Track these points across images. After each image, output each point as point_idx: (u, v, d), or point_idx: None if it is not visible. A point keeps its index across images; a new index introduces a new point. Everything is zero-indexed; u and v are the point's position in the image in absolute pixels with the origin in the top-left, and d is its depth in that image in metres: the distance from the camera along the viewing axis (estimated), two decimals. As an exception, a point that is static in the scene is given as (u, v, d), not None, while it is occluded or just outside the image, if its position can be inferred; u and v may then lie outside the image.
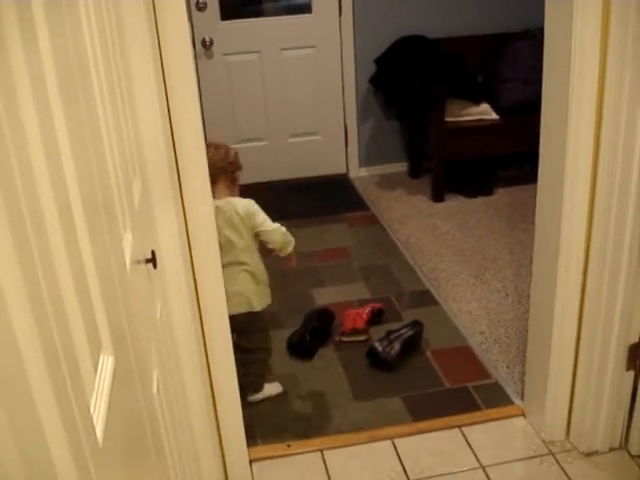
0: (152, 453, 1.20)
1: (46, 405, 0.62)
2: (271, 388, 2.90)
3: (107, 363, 0.91)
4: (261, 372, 2.88)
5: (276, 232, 2.65)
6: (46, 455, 0.62)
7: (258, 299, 2.70)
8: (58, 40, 0.87)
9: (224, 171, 2.72)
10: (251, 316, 2.71)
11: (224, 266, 2.58)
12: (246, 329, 2.74)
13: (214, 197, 2.65)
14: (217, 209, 2.64)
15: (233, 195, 2.72)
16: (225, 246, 2.60)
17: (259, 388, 2.86)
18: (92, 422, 0.77)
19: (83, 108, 0.99)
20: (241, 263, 2.66)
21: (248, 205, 2.67)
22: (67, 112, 0.86)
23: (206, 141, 2.03)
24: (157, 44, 1.75)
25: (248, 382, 2.80)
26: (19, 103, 0.68)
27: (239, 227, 2.64)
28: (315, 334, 3.16)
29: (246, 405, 2.33)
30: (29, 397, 0.60)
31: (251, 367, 2.80)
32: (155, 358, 1.43)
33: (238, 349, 2.71)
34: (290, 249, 2.69)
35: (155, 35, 1.74)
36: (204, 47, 4.93)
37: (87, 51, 1.09)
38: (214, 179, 2.69)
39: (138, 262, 1.36)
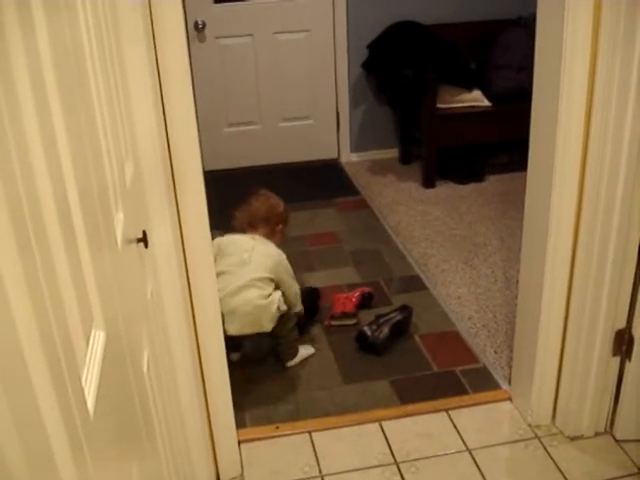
0: (142, 431, 1.21)
1: (39, 374, 0.63)
2: (305, 350, 3.02)
3: (98, 338, 0.92)
4: (295, 338, 2.98)
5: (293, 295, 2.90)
6: (40, 424, 0.63)
7: (269, 318, 2.79)
8: (54, 22, 0.87)
9: (266, 221, 3.01)
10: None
11: (244, 286, 2.78)
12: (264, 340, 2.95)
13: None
14: (259, 238, 2.94)
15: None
16: (249, 264, 2.81)
17: (295, 353, 2.98)
18: (83, 394, 0.78)
19: (77, 89, 1.00)
20: (263, 279, 2.80)
21: (281, 256, 2.93)
22: (62, 92, 0.86)
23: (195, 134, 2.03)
24: (150, 27, 1.75)
25: (284, 350, 2.96)
26: (16, 82, 0.69)
27: (269, 263, 2.84)
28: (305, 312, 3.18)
29: (236, 387, 2.35)
30: (23, 366, 0.60)
31: (284, 337, 2.92)
32: (145, 337, 1.44)
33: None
34: (298, 309, 2.98)
35: (148, 18, 1.74)
36: (196, 30, 4.91)
37: (82, 35, 1.09)
38: (252, 224, 3.02)
39: (129, 241, 1.36)
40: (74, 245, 0.86)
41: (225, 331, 2.67)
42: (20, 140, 0.67)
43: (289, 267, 2.95)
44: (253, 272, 2.77)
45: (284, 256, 2.94)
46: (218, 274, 2.75)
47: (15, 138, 0.64)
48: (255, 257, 2.82)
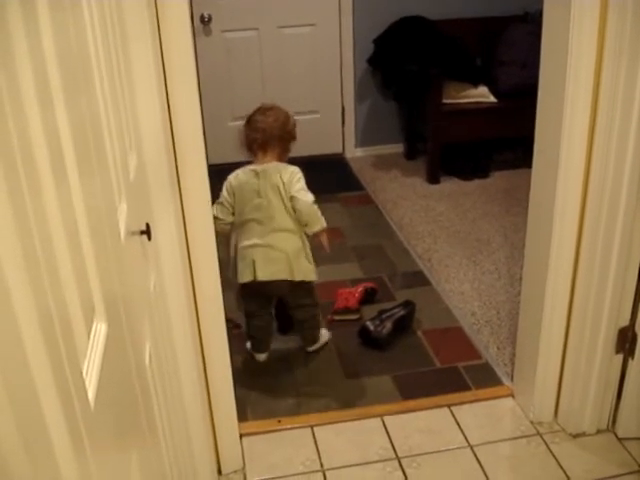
0: (143, 423, 1.21)
1: (40, 365, 0.63)
2: (323, 336, 3.04)
3: (100, 330, 0.92)
4: (316, 324, 3.00)
5: (305, 203, 2.64)
6: (40, 415, 0.63)
7: (298, 269, 2.73)
8: (58, 17, 0.87)
9: (280, 139, 2.73)
10: (294, 287, 2.77)
11: (272, 232, 2.64)
12: (291, 302, 2.90)
13: (258, 162, 2.71)
14: (263, 172, 2.67)
15: (281, 162, 2.74)
16: (268, 209, 2.65)
17: (316, 339, 3.01)
18: (84, 385, 0.78)
19: (81, 83, 0.99)
20: (290, 230, 2.69)
21: (293, 172, 2.68)
22: (65, 87, 0.86)
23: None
24: (156, 20, 1.75)
25: (306, 336, 3.01)
26: (19, 77, 0.68)
27: (282, 193, 2.65)
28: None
29: (238, 381, 2.35)
30: (24, 357, 0.60)
31: (307, 323, 2.95)
32: (148, 330, 1.44)
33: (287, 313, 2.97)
34: (317, 228, 2.70)
35: (154, 11, 1.73)
36: (202, 23, 4.90)
37: (86, 28, 1.09)
38: (265, 145, 2.71)
39: (132, 233, 1.36)
40: (76, 236, 0.86)
41: (255, 278, 2.66)
42: (23, 135, 0.67)
43: (297, 177, 2.69)
44: (276, 222, 2.65)
45: (292, 169, 2.69)
46: (244, 222, 2.69)
47: (18, 133, 0.64)
48: (270, 202, 2.64)
